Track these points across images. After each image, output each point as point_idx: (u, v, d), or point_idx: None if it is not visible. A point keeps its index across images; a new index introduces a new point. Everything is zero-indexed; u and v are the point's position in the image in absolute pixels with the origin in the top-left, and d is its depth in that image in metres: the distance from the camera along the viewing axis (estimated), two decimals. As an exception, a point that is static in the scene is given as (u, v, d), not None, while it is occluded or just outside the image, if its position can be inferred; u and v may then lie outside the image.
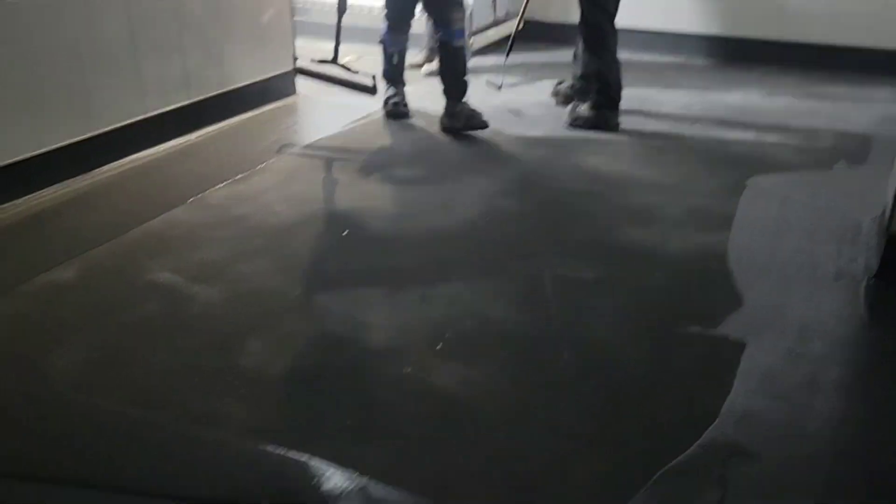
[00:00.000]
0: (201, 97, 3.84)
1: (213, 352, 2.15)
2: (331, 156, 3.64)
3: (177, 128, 3.73)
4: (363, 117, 4.02)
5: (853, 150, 3.58)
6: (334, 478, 1.69)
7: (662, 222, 2.95)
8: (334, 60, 3.95)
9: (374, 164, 3.48)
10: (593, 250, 2.76)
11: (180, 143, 3.71)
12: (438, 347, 2.17)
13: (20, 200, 3.02)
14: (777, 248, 2.79)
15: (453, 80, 3.75)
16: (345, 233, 2.84)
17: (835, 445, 1.82)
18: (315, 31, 4.92)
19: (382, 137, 3.82)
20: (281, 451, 1.76)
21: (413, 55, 4.37)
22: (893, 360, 2.16)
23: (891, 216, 2.53)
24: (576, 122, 3.85)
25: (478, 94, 3.95)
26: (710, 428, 1.86)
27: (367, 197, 3.15)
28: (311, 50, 4.34)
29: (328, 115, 4.14)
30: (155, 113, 3.61)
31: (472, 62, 4.56)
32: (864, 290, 2.51)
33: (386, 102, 4.01)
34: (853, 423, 1.91)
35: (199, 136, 3.80)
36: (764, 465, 1.74)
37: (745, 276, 2.57)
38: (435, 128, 3.85)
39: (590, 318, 2.33)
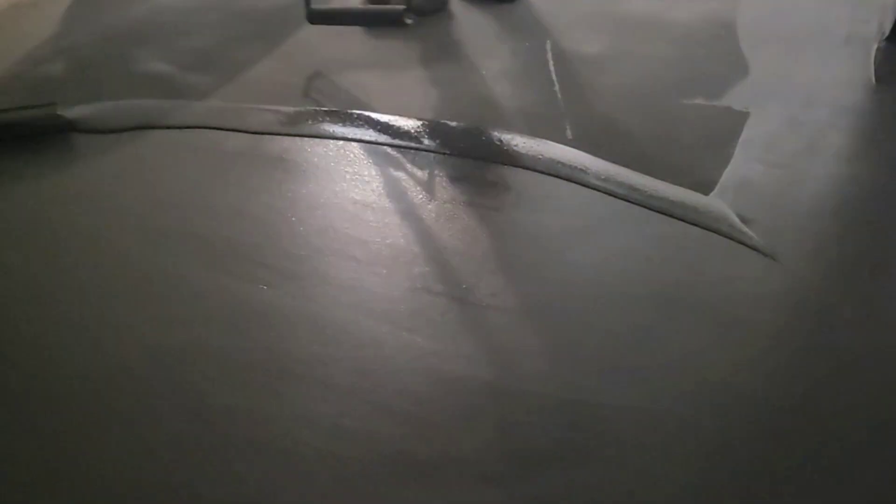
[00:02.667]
0: None
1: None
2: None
3: None
4: None
5: None
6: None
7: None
8: None
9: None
10: (597, 23, 2.67)
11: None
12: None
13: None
14: (788, 13, 2.69)
15: None
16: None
17: (827, 208, 1.87)
18: None
19: None
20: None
21: None
22: (896, 124, 2.17)
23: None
24: None
25: None
26: (710, 196, 1.90)
27: None
28: None
29: None
30: None
31: None
32: (874, 54, 2.45)
33: None
34: (849, 186, 1.95)
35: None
36: (757, 229, 1.80)
37: (753, 44, 2.51)
38: None
39: (593, 94, 2.30)
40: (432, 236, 1.79)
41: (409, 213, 1.86)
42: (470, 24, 2.66)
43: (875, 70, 2.38)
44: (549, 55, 2.48)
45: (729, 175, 1.96)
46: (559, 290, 1.64)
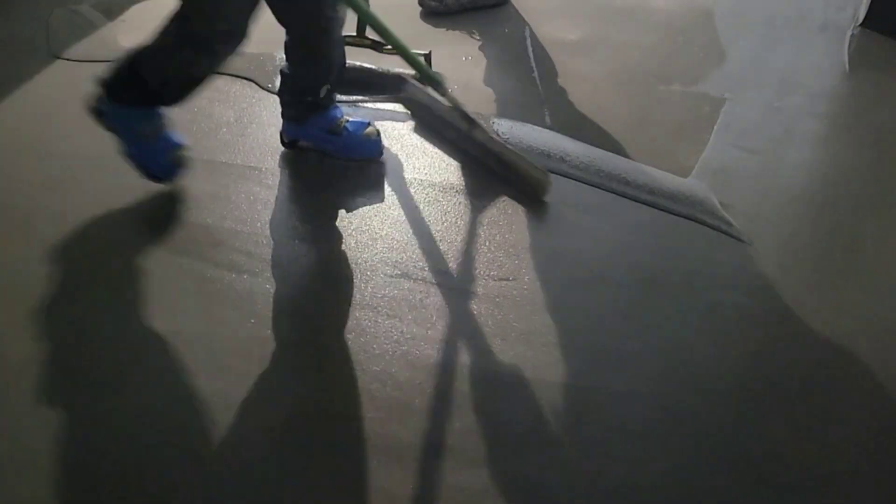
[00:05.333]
0: None
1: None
2: None
3: None
4: None
5: None
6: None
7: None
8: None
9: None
10: (578, 10, 2.68)
11: None
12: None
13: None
14: (766, 1, 2.72)
15: None
16: None
17: (803, 193, 1.91)
18: None
19: None
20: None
21: None
22: (869, 110, 2.20)
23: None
24: None
25: None
26: (685, 180, 1.93)
27: None
28: None
29: None
30: None
31: None
32: (848, 40, 2.49)
33: None
34: (825, 171, 1.98)
35: None
36: (734, 214, 1.83)
37: (730, 31, 2.53)
38: None
39: (572, 81, 2.31)
40: (412, 221, 1.81)
41: (388, 197, 1.87)
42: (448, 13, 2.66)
43: (849, 56, 2.42)
44: (529, 42, 2.49)
45: (706, 160, 1.98)
46: (539, 276, 1.66)
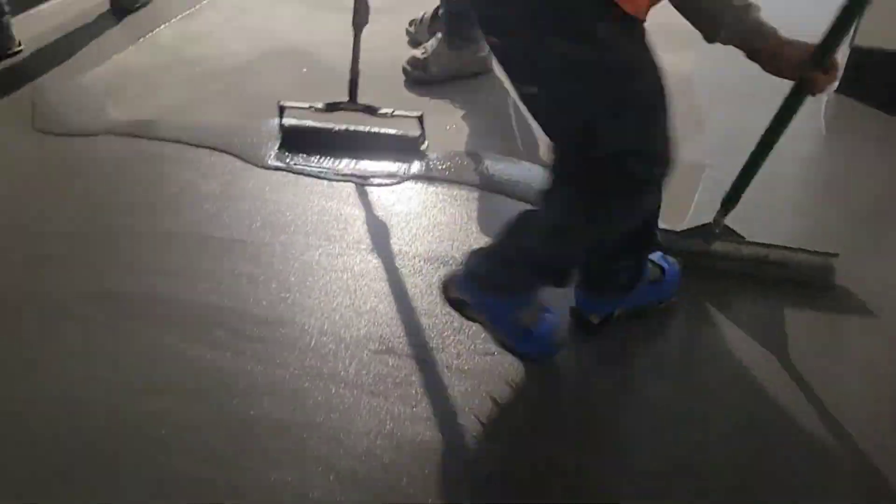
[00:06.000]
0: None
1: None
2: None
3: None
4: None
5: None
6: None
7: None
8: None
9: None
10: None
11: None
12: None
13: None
14: (744, 67, 2.76)
15: None
16: (305, 70, 2.76)
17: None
18: None
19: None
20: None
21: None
22: (848, 176, 2.23)
23: (855, 28, 2.51)
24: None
25: None
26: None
27: (325, 29, 3.02)
28: None
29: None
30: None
31: None
32: (824, 106, 2.53)
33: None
34: (805, 243, 1.99)
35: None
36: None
37: (710, 97, 2.58)
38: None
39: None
40: (398, 294, 1.80)
41: (374, 269, 1.87)
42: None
43: (825, 122, 2.46)
44: (512, 111, 2.52)
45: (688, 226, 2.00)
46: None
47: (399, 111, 2.25)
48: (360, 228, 2.01)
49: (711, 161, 2.26)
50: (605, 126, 1.24)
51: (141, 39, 3.01)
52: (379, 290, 1.81)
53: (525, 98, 1.30)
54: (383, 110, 2.23)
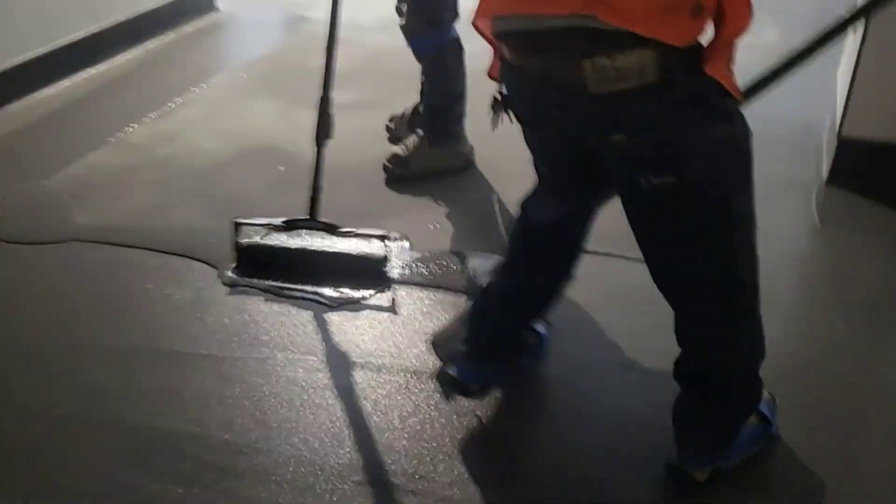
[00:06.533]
0: (110, 23, 3.54)
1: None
2: (260, 81, 3.42)
3: (86, 59, 3.44)
4: (294, 33, 3.77)
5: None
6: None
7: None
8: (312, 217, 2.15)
9: (307, 88, 3.25)
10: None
11: (92, 76, 3.44)
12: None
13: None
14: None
15: None
16: (281, 168, 2.67)
17: (783, 374, 1.81)
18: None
19: (315, 55, 3.57)
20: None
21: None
22: (845, 271, 2.15)
23: (841, 120, 2.48)
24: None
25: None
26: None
27: (302, 126, 2.94)
28: None
29: (255, 33, 3.88)
30: (60, 44, 3.32)
31: None
32: (815, 198, 2.48)
33: None
34: (804, 349, 1.88)
35: (112, 67, 3.52)
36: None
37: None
38: (369, 42, 3.64)
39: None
40: (383, 415, 1.66)
41: (356, 386, 1.73)
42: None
43: (818, 215, 2.40)
44: (497, 209, 2.44)
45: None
46: (527, 481, 1.50)
47: (363, 229, 2.12)
48: (341, 340, 1.87)
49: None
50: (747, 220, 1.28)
51: (112, 139, 2.92)
52: (363, 410, 1.66)
53: (656, 194, 1.22)
54: (344, 229, 2.10)
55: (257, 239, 2.18)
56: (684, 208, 1.22)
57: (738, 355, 1.39)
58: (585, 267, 1.64)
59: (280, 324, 1.92)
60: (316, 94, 2.11)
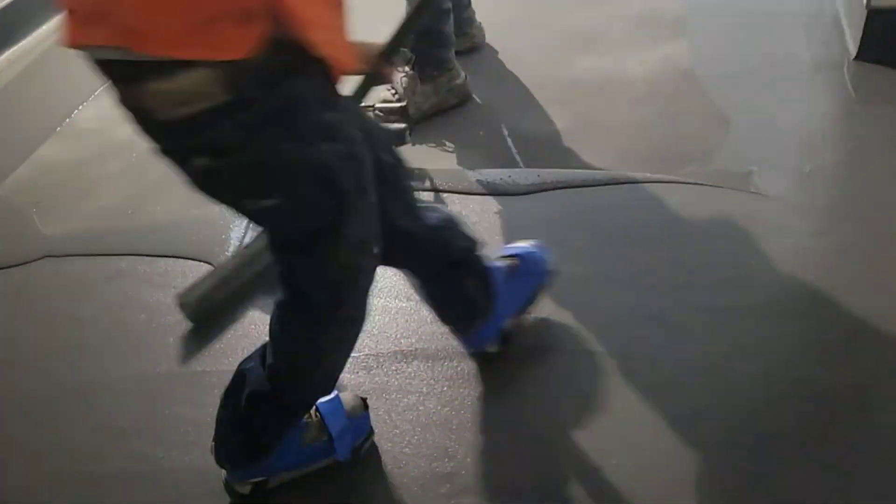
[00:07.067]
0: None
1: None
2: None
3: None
4: None
5: None
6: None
7: (610, 41, 2.60)
8: None
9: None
10: (549, 94, 2.40)
11: (15, 55, 3.06)
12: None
13: None
14: (743, 48, 2.50)
15: None
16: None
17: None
18: None
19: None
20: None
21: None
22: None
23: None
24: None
25: None
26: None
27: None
28: None
29: None
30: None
31: None
32: (848, 77, 2.28)
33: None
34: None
35: (36, 41, 3.13)
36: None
37: (720, 91, 2.29)
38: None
39: (567, 181, 2.02)
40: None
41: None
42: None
43: (856, 96, 2.20)
44: (510, 141, 2.20)
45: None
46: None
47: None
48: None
49: (756, 166, 1.97)
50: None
51: (59, 127, 2.58)
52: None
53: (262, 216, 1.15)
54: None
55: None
56: (288, 230, 1.14)
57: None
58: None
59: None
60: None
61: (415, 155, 2.13)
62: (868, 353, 1.46)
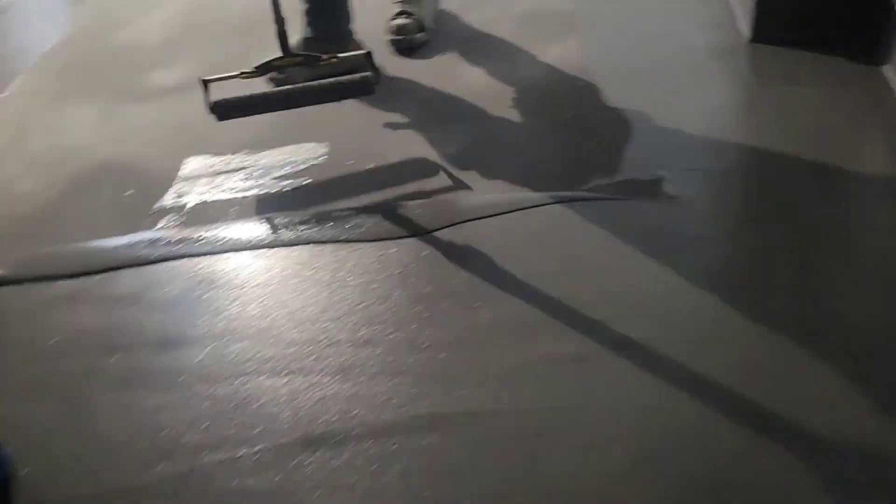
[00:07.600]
0: None
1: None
2: (61, 79, 2.71)
3: None
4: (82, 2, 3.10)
5: None
6: None
7: (500, 44, 2.46)
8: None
9: (124, 73, 2.63)
10: (439, 112, 2.24)
11: None
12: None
13: None
14: (636, 41, 2.40)
15: None
16: (129, 193, 2.11)
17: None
18: None
19: (120, 27, 2.89)
20: None
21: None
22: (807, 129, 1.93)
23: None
24: None
25: None
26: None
27: (135, 126, 2.36)
28: None
29: (33, 18, 3.17)
30: None
31: None
32: (745, 61, 2.22)
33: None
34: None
35: None
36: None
37: (617, 90, 2.18)
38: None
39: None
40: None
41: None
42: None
43: (755, 79, 2.15)
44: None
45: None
46: None
47: (344, 53, 2.01)
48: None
49: (664, 171, 1.86)
50: None
51: None
52: None
53: None
54: (325, 57, 1.97)
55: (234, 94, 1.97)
56: None
57: None
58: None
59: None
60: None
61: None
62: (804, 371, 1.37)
